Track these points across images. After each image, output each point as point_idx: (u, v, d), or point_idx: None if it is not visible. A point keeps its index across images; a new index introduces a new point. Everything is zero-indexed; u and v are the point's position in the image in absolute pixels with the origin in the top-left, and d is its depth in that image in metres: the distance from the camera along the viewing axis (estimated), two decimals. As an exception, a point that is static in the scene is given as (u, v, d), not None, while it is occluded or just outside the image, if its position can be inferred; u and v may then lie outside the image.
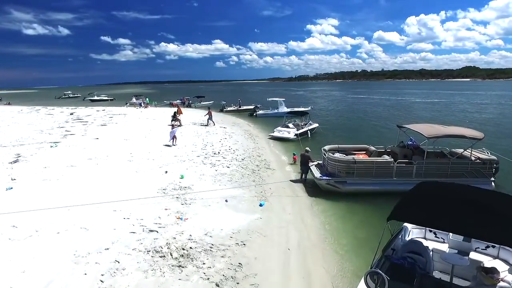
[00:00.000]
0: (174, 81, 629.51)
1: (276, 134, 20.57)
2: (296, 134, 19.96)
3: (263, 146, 17.63)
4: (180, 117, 23.41)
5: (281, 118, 23.07)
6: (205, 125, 23.90)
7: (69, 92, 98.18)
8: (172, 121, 22.67)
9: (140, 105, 40.74)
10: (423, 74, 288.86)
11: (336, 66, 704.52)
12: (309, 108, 34.37)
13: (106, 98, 73.38)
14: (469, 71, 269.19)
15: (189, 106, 45.31)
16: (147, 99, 56.53)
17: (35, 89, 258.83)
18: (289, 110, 34.23)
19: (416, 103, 50.42)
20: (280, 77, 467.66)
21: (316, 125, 22.93)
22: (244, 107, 39.31)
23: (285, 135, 20.15)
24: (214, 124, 23.93)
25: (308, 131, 21.21)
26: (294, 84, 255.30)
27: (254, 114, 33.98)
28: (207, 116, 24.43)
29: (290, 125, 21.47)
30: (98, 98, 72.90)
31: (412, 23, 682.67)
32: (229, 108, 39.16)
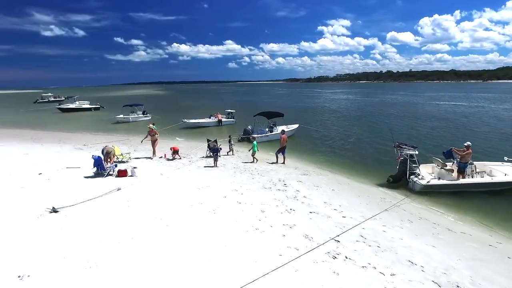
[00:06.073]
0: (187, 81, 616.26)
1: None
2: None
3: None
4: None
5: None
6: None
7: (50, 94, 76.02)
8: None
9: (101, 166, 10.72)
10: (458, 75, 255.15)
11: (349, 67, 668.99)
12: (416, 152, 11.94)
13: (88, 106, 46.65)
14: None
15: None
16: (152, 120, 24.77)
17: (41, 89, 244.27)
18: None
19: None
20: (294, 77, 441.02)
21: None
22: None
23: None
24: None
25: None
26: (314, 85, 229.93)
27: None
28: None
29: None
30: (73, 106, 45.24)
31: (426, 24, 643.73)
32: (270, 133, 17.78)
